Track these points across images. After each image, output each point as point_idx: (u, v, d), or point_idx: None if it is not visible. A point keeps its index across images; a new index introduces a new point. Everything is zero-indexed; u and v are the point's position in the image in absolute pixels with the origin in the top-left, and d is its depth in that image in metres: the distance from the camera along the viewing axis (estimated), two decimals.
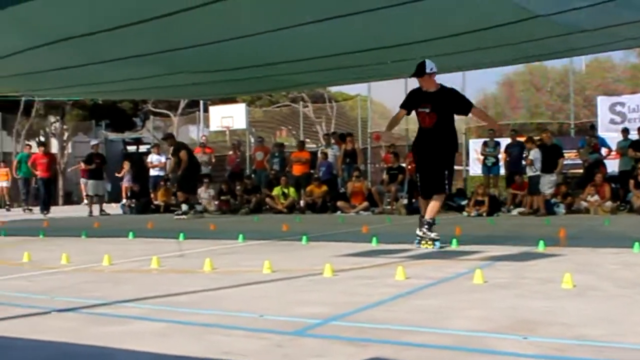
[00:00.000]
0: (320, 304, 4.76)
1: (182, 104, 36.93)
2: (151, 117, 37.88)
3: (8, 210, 26.78)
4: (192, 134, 40.00)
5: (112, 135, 39.70)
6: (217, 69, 13.33)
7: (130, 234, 11.12)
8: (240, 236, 9.99)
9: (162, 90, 17.86)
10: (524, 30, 10.52)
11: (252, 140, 27.12)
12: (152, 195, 22.67)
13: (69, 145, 39.17)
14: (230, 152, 22.95)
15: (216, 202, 20.80)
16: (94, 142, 22.58)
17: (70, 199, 35.17)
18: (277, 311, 4.49)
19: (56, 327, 4.20)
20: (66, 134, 39.64)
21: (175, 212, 18.24)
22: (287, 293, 5.30)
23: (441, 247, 8.55)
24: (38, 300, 5.18)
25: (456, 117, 9.21)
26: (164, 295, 5.23)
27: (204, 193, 21.26)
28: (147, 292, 5.34)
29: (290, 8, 9.50)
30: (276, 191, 20.07)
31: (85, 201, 28.98)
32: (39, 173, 21.21)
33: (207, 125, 29.73)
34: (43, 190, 21.29)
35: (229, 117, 25.07)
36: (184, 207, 17.68)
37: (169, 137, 19.63)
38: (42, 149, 22.40)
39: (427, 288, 5.40)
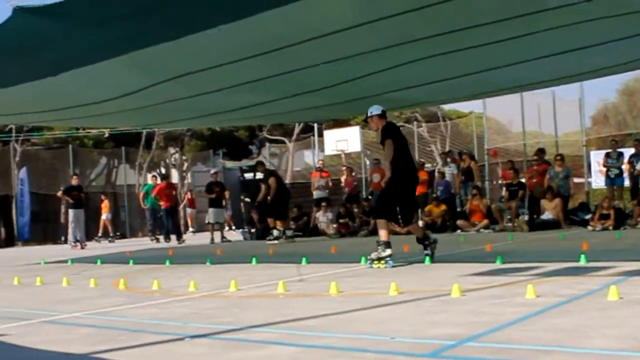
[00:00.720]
0: (451, 324, 4.67)
1: (296, 130, 37.34)
2: (267, 144, 38.46)
3: (111, 241, 27.63)
4: (307, 158, 40.41)
5: (230, 164, 40.47)
6: (328, 85, 13.41)
7: (254, 259, 11.24)
8: (363, 258, 9.95)
9: (277, 116, 18.15)
10: None
11: (367, 162, 27.11)
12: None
13: (189, 175, 40.14)
14: (345, 175, 22.98)
15: (335, 225, 20.86)
16: (213, 170, 23.07)
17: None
18: (409, 333, 4.43)
19: (191, 353, 4.27)
20: (185, 164, 40.69)
21: (267, 238, 18.54)
22: (417, 314, 5.24)
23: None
24: (171, 327, 5.27)
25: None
26: (293, 319, 5.25)
27: (322, 216, 21.38)
28: (276, 317, 5.37)
29: (405, 28, 9.51)
30: None
31: (191, 229, 29.87)
32: (162, 203, 21.83)
33: (321, 149, 29.92)
34: (167, 219, 21.89)
35: (343, 140, 25.09)
36: (275, 232, 18.13)
37: (259, 164, 20.55)
38: (165, 180, 23.07)
39: (560, 306, 5.23)
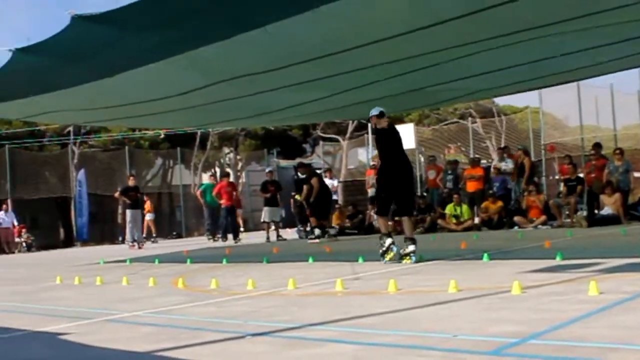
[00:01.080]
0: (513, 322, 4.61)
1: (350, 128, 37.30)
2: (320, 142, 38.48)
3: (154, 242, 27.96)
4: (361, 156, 40.33)
5: (284, 162, 40.63)
6: (381, 79, 13.37)
7: (310, 258, 11.25)
8: (420, 256, 9.90)
9: (328, 112, 18.14)
10: None
11: (422, 159, 26.99)
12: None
13: (243, 174, 40.42)
14: None
15: (390, 223, 20.75)
16: (268, 169, 23.14)
17: (246, 226, 36.23)
18: (471, 330, 4.38)
19: (252, 351, 4.28)
20: (240, 164, 40.94)
21: (309, 237, 18.82)
22: (477, 312, 5.18)
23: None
24: (230, 325, 5.30)
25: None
26: (353, 317, 5.23)
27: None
28: (335, 315, 5.36)
29: (459, 33, 9.48)
30: (449, 209, 19.84)
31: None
32: (222, 202, 21.93)
33: (375, 147, 29.82)
34: (226, 218, 21.99)
35: None
36: (317, 231, 18.36)
37: (302, 166, 20.85)
38: (226, 178, 23.12)
39: (624, 303, 5.13)
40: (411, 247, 9.87)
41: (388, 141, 10.49)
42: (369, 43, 9.77)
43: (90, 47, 9.16)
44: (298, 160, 41.39)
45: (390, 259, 10.03)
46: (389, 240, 10.16)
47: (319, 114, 18.71)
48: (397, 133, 10.60)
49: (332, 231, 19.13)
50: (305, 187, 19.10)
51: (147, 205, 29.45)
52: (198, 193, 25.00)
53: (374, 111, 10.54)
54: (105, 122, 20.41)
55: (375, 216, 21.04)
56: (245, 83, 11.74)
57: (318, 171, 35.32)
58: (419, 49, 10.59)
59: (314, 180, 18.78)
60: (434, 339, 4.20)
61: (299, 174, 20.17)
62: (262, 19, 8.46)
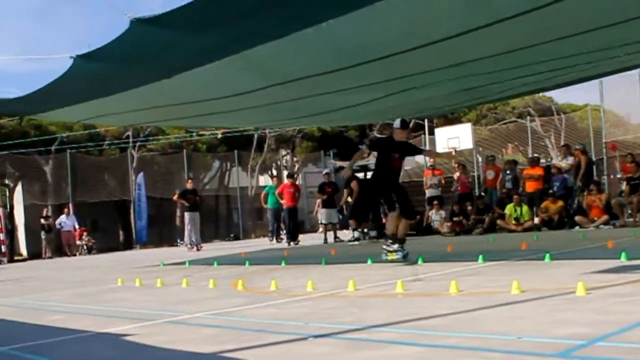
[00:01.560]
0: (578, 324, 4.52)
1: None
2: None
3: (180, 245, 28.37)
4: (417, 157, 40.09)
5: (340, 164, 40.60)
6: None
7: (369, 259, 11.21)
8: (480, 257, 9.79)
9: (385, 111, 18.00)
10: None
11: (479, 159, 26.73)
12: (383, 220, 22.83)
13: (300, 176, 40.53)
14: (458, 173, 22.69)
15: (448, 224, 20.64)
16: (325, 171, 23.14)
17: (302, 227, 36.33)
18: (535, 332, 4.30)
19: (314, 352, 4.27)
20: (297, 166, 41.06)
21: (349, 239, 19.02)
22: (541, 313, 5.10)
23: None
24: (292, 326, 5.29)
25: None
26: (415, 318, 5.19)
27: (435, 215, 21.21)
28: (397, 316, 5.32)
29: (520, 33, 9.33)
30: (508, 209, 19.61)
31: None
32: (285, 203, 21.94)
33: (432, 147, 29.67)
34: (288, 219, 22.02)
35: (454, 137, 24.81)
36: (356, 234, 18.77)
37: (340, 169, 20.45)
38: (290, 179, 23.13)
39: None
40: (395, 246, 10.75)
41: (402, 152, 11.37)
42: (427, 44, 9.64)
43: (148, 49, 9.23)
44: (366, 160, 41.53)
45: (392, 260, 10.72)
46: (394, 247, 10.82)
47: (375, 113, 18.57)
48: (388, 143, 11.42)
49: (372, 233, 19.34)
50: (346, 190, 19.51)
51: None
52: (262, 196, 25.02)
53: (397, 123, 11.21)
54: (163, 122, 20.55)
55: (432, 217, 21.04)
56: (300, 85, 11.71)
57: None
58: (476, 49, 10.43)
59: (353, 184, 19.16)
60: (498, 341, 4.14)
61: (342, 175, 20.42)
62: (317, 17, 8.43)
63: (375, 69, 10.83)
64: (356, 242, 18.06)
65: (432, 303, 6.07)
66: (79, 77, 10.06)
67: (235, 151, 38.39)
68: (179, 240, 30.73)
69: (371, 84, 12.16)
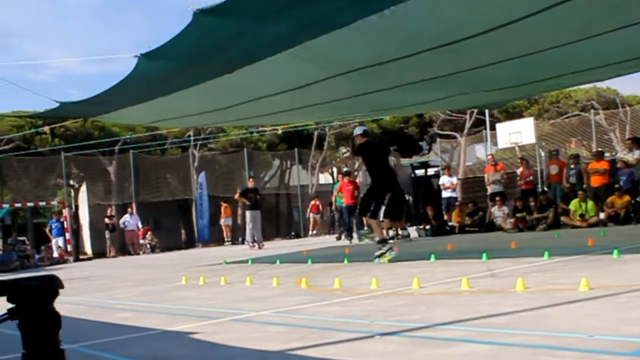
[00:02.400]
0: None
1: (467, 124, 36.85)
2: (437, 139, 38.14)
3: (231, 244, 28.50)
4: (479, 152, 39.81)
5: (401, 161, 40.43)
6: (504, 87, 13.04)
7: (432, 256, 11.13)
8: (546, 253, 9.64)
9: (445, 100, 17.76)
10: None
11: (542, 154, 26.41)
12: (445, 217, 22.75)
13: (360, 173, 40.46)
14: (521, 168, 22.44)
15: (511, 220, 20.41)
16: None
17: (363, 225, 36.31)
18: (607, 330, 4.21)
19: (381, 350, 4.24)
20: (356, 163, 41.00)
21: (360, 234, 19.51)
22: (613, 311, 4.99)
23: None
24: (357, 324, 5.27)
25: None
26: (482, 316, 5.12)
27: (498, 211, 21.00)
28: (464, 314, 5.26)
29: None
30: (573, 205, 19.29)
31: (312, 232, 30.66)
32: (344, 200, 21.97)
33: (494, 142, 29.41)
34: (347, 217, 22.05)
35: (516, 132, 24.56)
36: (391, 232, 18.86)
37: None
38: (347, 177, 23.15)
39: None
40: (385, 248, 11.63)
41: (371, 157, 12.19)
42: (488, 30, 9.38)
43: (211, 42, 9.25)
44: (426, 157, 41.54)
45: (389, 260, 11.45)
46: (384, 248, 11.64)
47: (435, 102, 18.29)
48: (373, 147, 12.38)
49: (404, 233, 19.62)
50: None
51: (224, 209, 30.53)
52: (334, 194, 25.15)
53: (358, 130, 12.38)
54: (222, 123, 20.68)
55: (494, 213, 20.81)
56: (362, 77, 11.59)
57: (435, 169, 35.54)
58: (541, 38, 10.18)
59: None
60: (569, 339, 4.05)
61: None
62: (380, 3, 8.33)
63: (440, 56, 10.61)
64: (390, 241, 18.60)
65: (498, 300, 5.99)
66: (142, 76, 10.15)
67: (296, 149, 38.53)
68: (240, 239, 30.96)
69: (432, 78, 11.98)
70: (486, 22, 9.06)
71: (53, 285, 1.98)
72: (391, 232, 18.73)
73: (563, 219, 19.33)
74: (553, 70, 12.61)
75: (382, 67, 10.80)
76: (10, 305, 1.93)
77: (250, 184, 24.39)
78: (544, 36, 9.89)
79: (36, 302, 1.94)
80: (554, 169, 21.70)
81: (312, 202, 33.02)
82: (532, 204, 20.41)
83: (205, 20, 7.93)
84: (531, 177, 22.42)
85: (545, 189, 22.11)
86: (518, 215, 20.34)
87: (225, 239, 31.75)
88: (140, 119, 15.38)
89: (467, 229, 21.06)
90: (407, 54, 10.20)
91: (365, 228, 18.68)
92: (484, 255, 10.27)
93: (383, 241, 11.80)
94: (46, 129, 27.46)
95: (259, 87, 11.99)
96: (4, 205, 30.23)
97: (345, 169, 27.15)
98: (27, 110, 36.15)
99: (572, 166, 20.88)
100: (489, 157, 24.64)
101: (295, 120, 23.05)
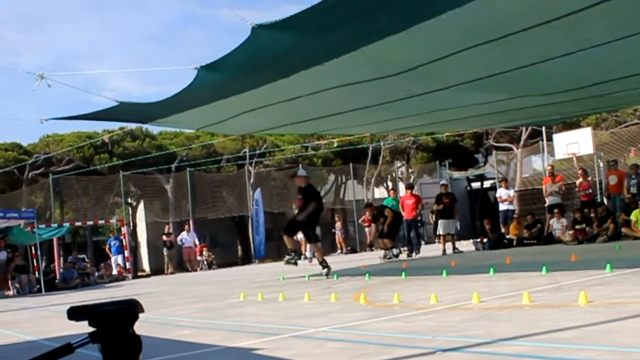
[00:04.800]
0: None
1: (524, 136, 36.45)
2: (493, 151, 37.79)
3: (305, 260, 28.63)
4: (535, 164, 39.28)
5: (456, 174, 40.21)
6: (564, 89, 12.76)
7: (491, 269, 11.02)
8: (607, 265, 9.46)
9: (502, 115, 17.50)
10: None
11: (600, 164, 26.00)
12: (503, 230, 22.51)
13: (415, 187, 40.32)
14: (580, 179, 22.11)
15: (571, 232, 20.11)
16: (442, 182, 22.95)
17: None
18: None
19: None
20: (412, 177, 40.87)
21: (388, 257, 20.04)
22: None
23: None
24: (419, 340, 5.23)
25: None
26: (545, 331, 5.04)
27: (557, 223, 20.71)
28: (527, 329, 5.18)
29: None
30: (634, 216, 18.94)
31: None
32: (405, 214, 21.76)
33: (550, 153, 29.04)
34: (407, 231, 21.89)
35: (574, 143, 24.22)
36: (395, 251, 20.31)
37: (367, 206, 24.81)
38: (409, 191, 22.95)
39: None
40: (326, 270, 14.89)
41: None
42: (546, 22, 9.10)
43: (269, 53, 9.33)
44: (481, 169, 41.20)
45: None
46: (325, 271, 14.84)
47: (493, 115, 18.04)
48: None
49: (395, 251, 20.37)
50: (381, 219, 20.67)
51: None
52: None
53: (302, 172, 15.24)
54: (275, 128, 20.59)
55: (553, 225, 20.55)
56: (418, 75, 11.40)
57: (491, 181, 35.33)
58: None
59: (386, 212, 20.52)
60: (637, 355, 3.97)
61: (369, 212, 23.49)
62: (438, 7, 8.26)
63: (499, 48, 10.35)
64: (395, 259, 19.88)
65: (561, 315, 5.89)
66: (201, 85, 10.31)
67: (351, 164, 38.54)
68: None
69: (489, 76, 11.72)
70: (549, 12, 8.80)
71: (134, 310, 2.00)
72: (395, 251, 20.32)
73: (624, 230, 18.98)
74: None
75: (439, 63, 10.63)
76: (91, 329, 1.96)
77: None
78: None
79: (117, 326, 1.96)
80: (613, 180, 21.31)
81: (365, 215, 32.98)
82: (591, 215, 20.09)
83: (263, 34, 8.00)
84: (590, 190, 22.05)
85: (605, 200, 21.75)
86: (577, 227, 20.03)
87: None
88: (196, 123, 15.50)
89: (525, 241, 20.81)
90: (464, 47, 9.99)
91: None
92: (544, 268, 10.12)
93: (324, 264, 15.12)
94: (106, 137, 27.96)
95: (312, 89, 11.95)
96: (64, 224, 30.76)
97: (408, 182, 27.32)
98: (86, 132, 36.90)
99: (633, 176, 20.48)
100: (549, 167, 24.34)
101: (349, 127, 22.91)
